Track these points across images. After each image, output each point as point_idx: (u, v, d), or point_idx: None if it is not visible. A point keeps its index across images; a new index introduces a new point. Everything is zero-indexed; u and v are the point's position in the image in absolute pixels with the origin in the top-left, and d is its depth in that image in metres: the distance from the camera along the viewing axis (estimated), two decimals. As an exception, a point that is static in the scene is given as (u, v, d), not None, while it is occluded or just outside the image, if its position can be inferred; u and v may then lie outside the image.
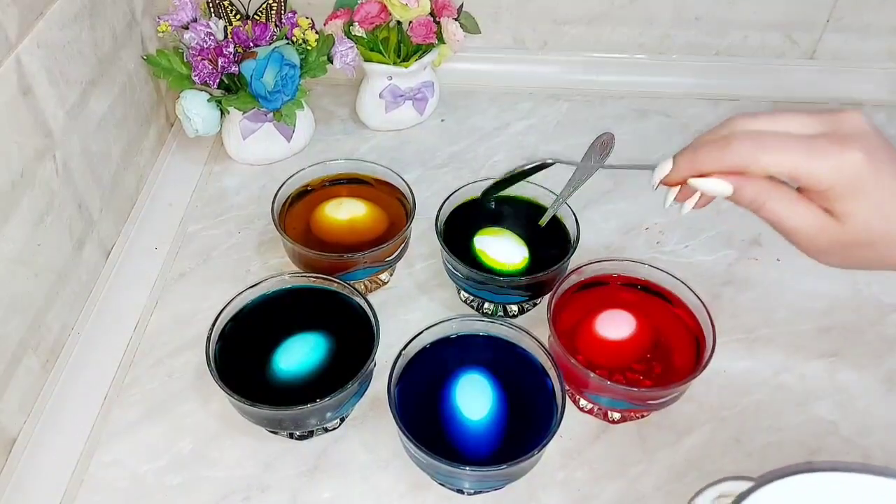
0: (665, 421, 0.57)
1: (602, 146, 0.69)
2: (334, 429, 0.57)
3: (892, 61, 0.89)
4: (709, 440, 0.57)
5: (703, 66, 0.90)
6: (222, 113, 0.76)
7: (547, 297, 0.58)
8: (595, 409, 0.57)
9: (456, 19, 0.78)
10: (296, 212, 0.66)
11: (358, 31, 0.77)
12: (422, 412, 0.51)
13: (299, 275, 0.59)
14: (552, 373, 0.52)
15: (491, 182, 0.62)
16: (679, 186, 0.48)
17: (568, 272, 0.59)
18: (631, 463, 0.55)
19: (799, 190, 0.44)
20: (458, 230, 0.63)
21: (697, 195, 0.48)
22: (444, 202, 0.64)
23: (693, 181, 0.44)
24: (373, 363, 0.54)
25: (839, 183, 0.40)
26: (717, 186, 0.43)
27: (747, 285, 0.68)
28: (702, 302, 0.56)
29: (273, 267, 0.69)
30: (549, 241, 0.63)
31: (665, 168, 0.46)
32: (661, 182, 0.46)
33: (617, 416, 0.57)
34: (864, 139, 0.40)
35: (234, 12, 0.76)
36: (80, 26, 0.62)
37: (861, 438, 0.57)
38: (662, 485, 0.54)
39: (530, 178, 0.65)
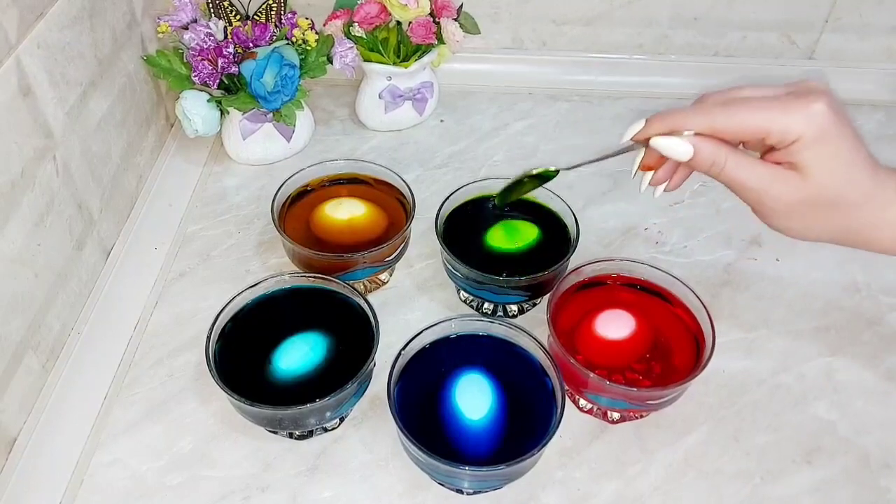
0: (664, 420, 0.58)
1: None
2: (334, 428, 0.57)
3: (891, 61, 0.90)
4: (707, 440, 0.57)
5: (702, 67, 0.90)
6: (222, 113, 0.76)
7: (546, 297, 0.59)
8: (594, 409, 0.58)
9: (455, 19, 0.78)
10: (295, 212, 0.66)
11: (357, 31, 0.77)
12: (421, 412, 0.51)
13: (299, 275, 0.59)
14: (552, 373, 0.53)
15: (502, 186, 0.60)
16: (653, 172, 0.50)
17: (567, 272, 0.59)
18: (630, 462, 0.55)
19: (763, 156, 0.46)
20: (457, 230, 0.63)
21: (666, 181, 0.50)
22: (444, 202, 0.64)
23: (655, 141, 0.46)
24: (372, 363, 0.54)
25: (807, 132, 0.42)
26: (678, 146, 0.45)
27: (746, 285, 0.68)
28: (701, 302, 0.56)
29: (273, 267, 0.69)
30: (549, 241, 0.63)
31: (637, 126, 0.47)
32: (632, 138, 0.47)
33: (616, 415, 0.57)
34: (827, 95, 0.43)
35: (233, 13, 0.76)
36: (80, 27, 0.62)
37: (859, 437, 0.57)
38: (661, 484, 0.54)
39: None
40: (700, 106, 0.45)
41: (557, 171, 0.56)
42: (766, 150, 0.46)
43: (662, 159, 0.49)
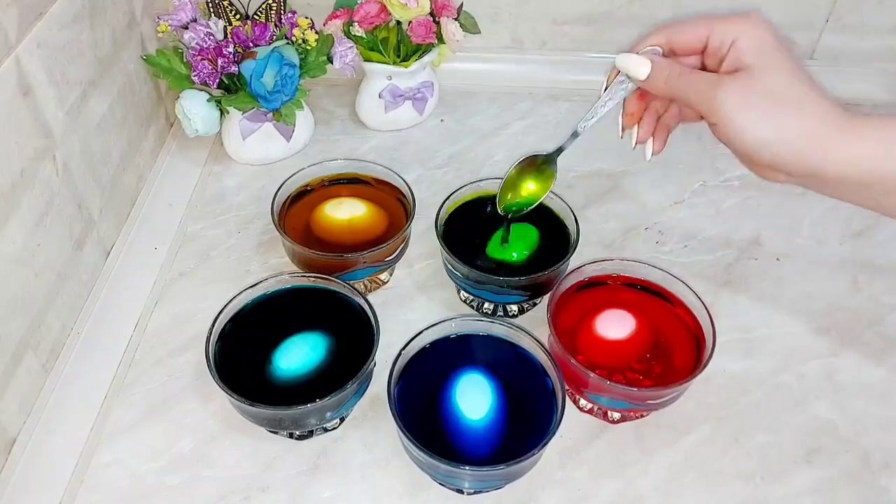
0: (664, 420, 0.57)
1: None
2: (334, 429, 0.57)
3: (891, 61, 0.90)
4: (708, 440, 0.57)
5: (703, 66, 0.90)
6: (222, 113, 0.76)
7: (547, 296, 0.59)
8: (595, 409, 0.58)
9: (455, 19, 0.78)
10: (295, 212, 0.66)
11: (357, 30, 0.77)
12: (422, 412, 0.51)
13: (299, 275, 0.59)
14: (552, 373, 0.53)
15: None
16: (636, 129, 0.55)
17: (568, 272, 0.59)
18: (630, 463, 0.55)
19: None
20: (457, 230, 0.63)
21: (651, 140, 0.55)
22: (444, 202, 0.64)
23: (619, 58, 0.51)
24: (373, 363, 0.54)
25: (747, 33, 0.46)
26: (638, 62, 0.50)
27: (746, 285, 0.68)
28: (702, 302, 0.56)
29: (273, 267, 0.69)
30: (549, 240, 0.63)
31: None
32: (611, 69, 0.53)
33: (616, 415, 0.57)
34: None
35: (233, 12, 0.76)
36: (79, 26, 0.62)
37: (859, 438, 0.57)
38: (661, 485, 0.54)
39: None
40: (657, 27, 0.51)
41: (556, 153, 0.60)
42: (718, 66, 0.48)
43: (642, 107, 0.54)
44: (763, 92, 0.45)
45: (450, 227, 0.64)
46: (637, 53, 0.50)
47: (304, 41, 0.74)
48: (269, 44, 0.73)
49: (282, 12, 0.76)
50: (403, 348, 0.53)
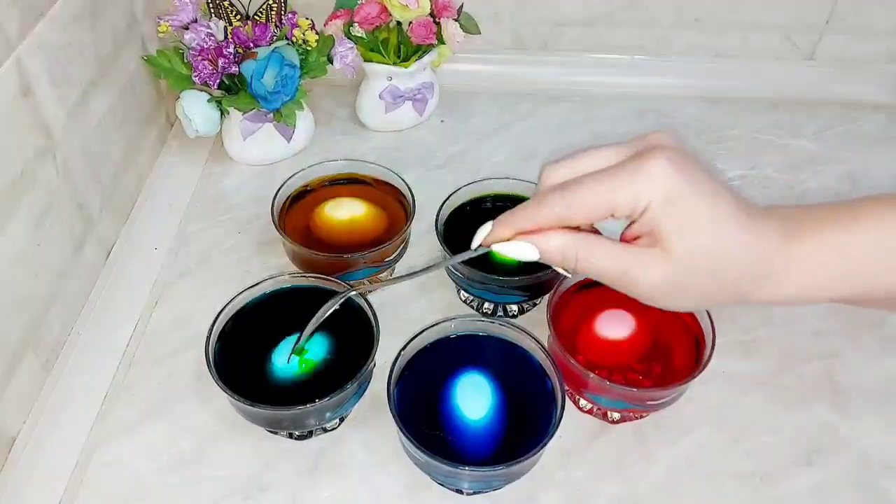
0: (664, 421, 0.57)
1: None
2: (334, 429, 0.57)
3: (892, 63, 0.89)
4: (707, 441, 0.57)
5: (703, 68, 0.90)
6: (222, 113, 0.76)
7: (547, 297, 0.59)
8: (594, 410, 0.58)
9: (456, 20, 0.78)
10: (296, 212, 0.66)
11: (358, 31, 0.77)
12: (421, 412, 0.51)
13: (299, 275, 0.59)
14: (552, 373, 0.53)
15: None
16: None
17: (567, 272, 0.59)
18: (630, 463, 0.55)
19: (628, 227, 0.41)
20: (457, 230, 0.63)
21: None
22: (444, 202, 0.64)
23: (496, 247, 0.43)
24: (373, 363, 0.54)
25: (655, 196, 0.38)
26: (521, 248, 0.41)
27: (746, 286, 0.68)
28: (701, 302, 0.56)
29: (273, 267, 0.69)
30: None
31: (484, 230, 0.44)
32: (480, 244, 0.44)
33: (616, 416, 0.57)
34: (663, 150, 0.38)
35: (234, 13, 0.76)
36: (80, 27, 0.62)
37: (859, 439, 0.57)
38: (661, 485, 0.54)
39: (523, 177, 0.65)
40: (540, 198, 0.40)
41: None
42: (631, 222, 0.41)
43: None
44: (686, 270, 0.39)
45: (450, 228, 0.64)
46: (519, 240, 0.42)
47: (305, 42, 0.74)
48: (270, 44, 0.73)
49: (282, 13, 0.76)
50: (403, 348, 0.53)
